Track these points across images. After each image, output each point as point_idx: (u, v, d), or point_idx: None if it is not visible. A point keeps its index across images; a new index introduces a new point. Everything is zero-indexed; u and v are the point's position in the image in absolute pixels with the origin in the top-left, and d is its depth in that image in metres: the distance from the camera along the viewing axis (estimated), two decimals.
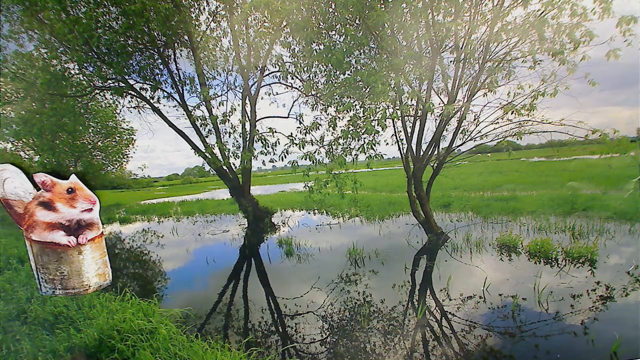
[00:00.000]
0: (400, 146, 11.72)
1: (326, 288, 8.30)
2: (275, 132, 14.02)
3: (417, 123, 10.90)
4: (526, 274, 8.03)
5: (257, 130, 14.99)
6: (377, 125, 9.13)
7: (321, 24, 9.90)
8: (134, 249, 14.61)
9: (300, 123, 13.14)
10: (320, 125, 10.98)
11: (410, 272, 9.13)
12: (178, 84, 15.06)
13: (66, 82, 14.15)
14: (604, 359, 4.79)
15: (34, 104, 16.48)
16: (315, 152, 10.56)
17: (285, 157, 11.41)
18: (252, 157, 14.50)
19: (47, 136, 20.81)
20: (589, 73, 8.95)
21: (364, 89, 9.77)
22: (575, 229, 11.13)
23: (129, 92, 15.49)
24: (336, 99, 10.54)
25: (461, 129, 10.91)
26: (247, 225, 17.13)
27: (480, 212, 15.28)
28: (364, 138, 9.66)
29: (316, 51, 10.20)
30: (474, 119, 10.76)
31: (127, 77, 14.69)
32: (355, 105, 10.39)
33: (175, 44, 14.44)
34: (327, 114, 12.20)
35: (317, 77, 12.16)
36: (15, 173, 1.52)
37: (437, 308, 6.94)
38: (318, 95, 12.80)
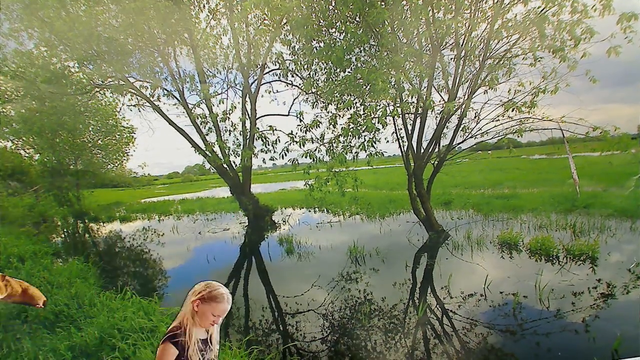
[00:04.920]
0: (401, 144, 11.72)
1: (327, 286, 8.30)
2: (276, 130, 14.01)
3: (418, 120, 10.89)
4: (527, 271, 8.02)
5: (258, 128, 14.98)
6: (378, 122, 9.13)
7: (321, 21, 9.88)
8: (134, 247, 14.62)
9: (301, 121, 13.09)
10: (320, 123, 10.97)
11: (411, 270, 9.13)
12: (178, 81, 15.03)
13: (66, 81, 14.13)
14: (605, 356, 4.79)
15: (34, 103, 16.48)
16: (315, 150, 10.56)
17: (286, 155, 11.41)
18: (253, 155, 14.50)
19: (47, 134, 20.89)
20: (590, 70, 8.96)
21: (364, 87, 9.74)
22: (576, 227, 11.11)
23: (129, 90, 15.47)
24: (336, 96, 10.52)
25: (462, 126, 10.91)
26: (247, 224, 17.13)
27: (481, 209, 15.26)
28: (365, 136, 9.65)
29: (316, 49, 10.17)
30: (475, 117, 10.76)
31: (127, 75, 14.68)
32: (356, 102, 10.38)
33: (175, 42, 14.40)
34: (328, 112, 12.16)
35: (317, 74, 12.13)
36: None
37: (438, 306, 6.94)
38: (318, 92, 12.75)
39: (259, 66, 15.42)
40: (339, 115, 11.00)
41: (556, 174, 22.98)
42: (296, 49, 11.77)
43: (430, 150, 11.34)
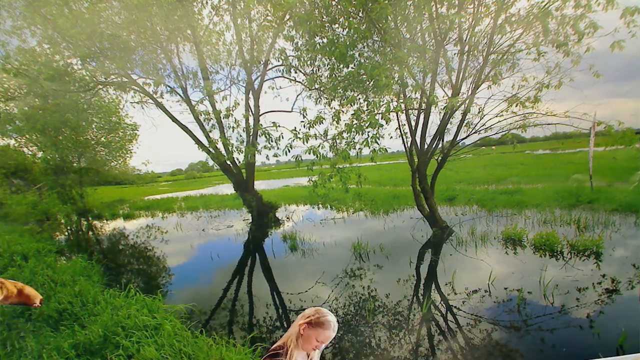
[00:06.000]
0: (405, 140, 11.70)
1: (331, 283, 8.30)
2: (279, 126, 13.98)
3: (421, 116, 10.87)
4: (531, 267, 8.00)
5: (261, 124, 14.94)
6: (381, 118, 9.10)
7: (324, 17, 9.85)
8: (138, 244, 14.65)
9: (304, 117, 13.09)
10: (324, 119, 10.94)
11: (415, 266, 9.12)
12: (181, 78, 15.02)
13: (69, 78, 14.12)
14: (610, 352, 4.76)
15: (37, 100, 16.50)
16: (319, 146, 10.52)
17: (289, 151, 11.36)
18: (256, 152, 14.48)
19: (50, 132, 20.86)
20: (593, 65, 8.91)
21: (367, 82, 9.71)
22: (581, 222, 11.08)
23: (132, 87, 15.48)
24: (340, 92, 10.51)
25: (465, 122, 10.87)
26: (251, 220, 17.15)
27: (485, 205, 15.23)
28: (368, 132, 9.62)
29: (319, 44, 10.12)
30: (478, 112, 10.72)
31: (130, 72, 14.68)
32: (359, 98, 10.35)
33: (178, 39, 14.37)
34: (331, 108, 12.14)
35: (320, 70, 12.12)
36: None
37: (442, 302, 6.93)
38: (322, 89, 12.73)
39: (262, 62, 15.39)
40: (343, 111, 10.97)
41: (560, 169, 22.92)
42: (299, 45, 11.77)
43: (434, 146, 11.32)
